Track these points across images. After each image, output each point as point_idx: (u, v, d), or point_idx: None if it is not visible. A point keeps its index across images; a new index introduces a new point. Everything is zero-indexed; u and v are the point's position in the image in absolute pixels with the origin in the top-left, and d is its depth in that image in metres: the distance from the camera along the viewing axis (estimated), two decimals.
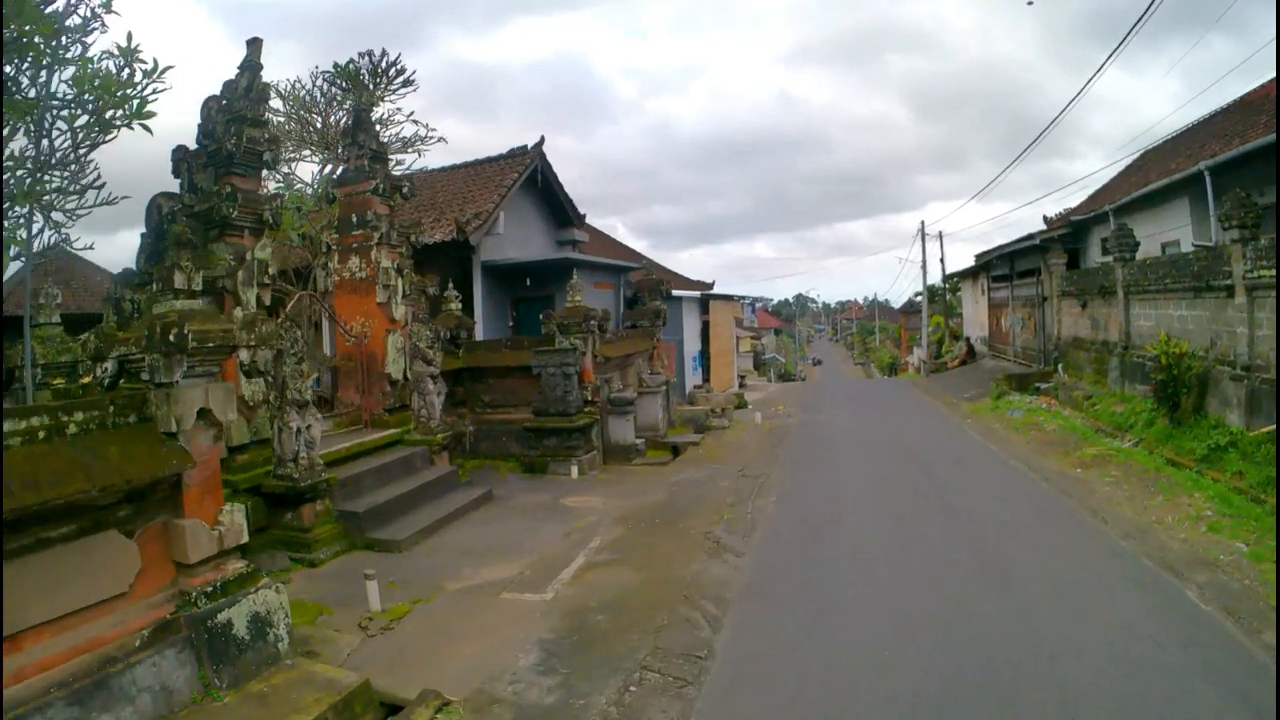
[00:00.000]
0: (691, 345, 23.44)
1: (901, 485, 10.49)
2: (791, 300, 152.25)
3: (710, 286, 27.26)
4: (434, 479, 10.80)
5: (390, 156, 15.85)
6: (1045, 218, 22.42)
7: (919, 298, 76.95)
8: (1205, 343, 12.32)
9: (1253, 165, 13.18)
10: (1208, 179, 14.14)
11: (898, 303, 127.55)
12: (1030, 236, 20.35)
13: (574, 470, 12.57)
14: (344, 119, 15.88)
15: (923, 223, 39.05)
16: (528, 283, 17.12)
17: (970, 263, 30.70)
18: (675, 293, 21.93)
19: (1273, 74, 16.18)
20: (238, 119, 8.28)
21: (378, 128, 15.45)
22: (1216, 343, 12.03)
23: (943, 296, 41.30)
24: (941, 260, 35.97)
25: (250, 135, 8.34)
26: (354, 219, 12.28)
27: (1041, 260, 20.38)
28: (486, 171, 18.20)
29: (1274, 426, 9.34)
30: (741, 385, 30.25)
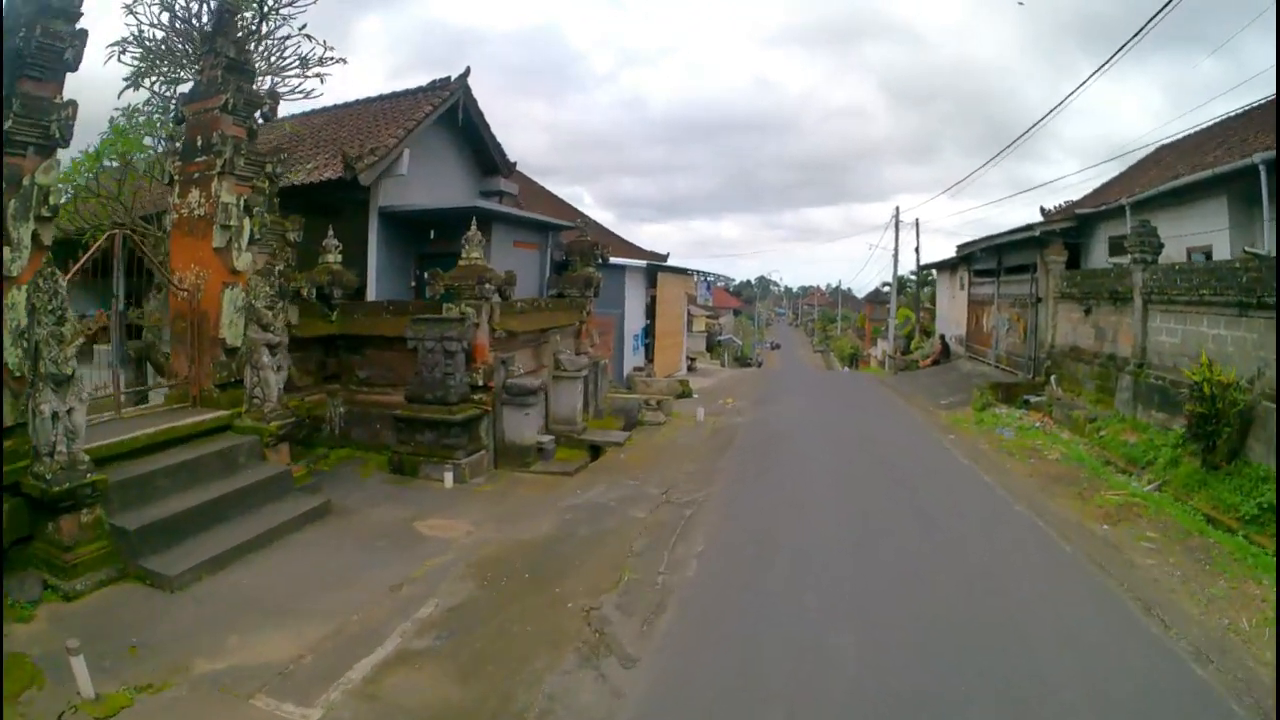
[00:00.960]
0: (634, 321, 20.60)
1: (882, 537, 7.82)
2: (754, 281, 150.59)
3: (664, 258, 24.37)
4: (258, 482, 8.13)
5: (282, 82, 12.59)
6: (1043, 210, 19.98)
7: (886, 288, 75.17)
8: (1250, 371, 10.02)
9: None
10: (1262, 174, 11.68)
11: (861, 292, 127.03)
12: (1027, 228, 17.88)
13: (448, 477, 9.69)
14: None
15: (897, 209, 36.90)
16: (433, 236, 13.96)
17: (945, 255, 28.54)
18: (616, 261, 19.01)
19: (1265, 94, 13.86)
20: (43, 7, 6.48)
21: (265, 42, 12.19)
22: (1264, 372, 9.71)
23: (915, 288, 39.00)
24: (916, 250, 33.63)
25: (52, 29, 6.48)
26: (199, 142, 9.13)
27: (1038, 256, 17.95)
28: (400, 106, 14.81)
29: None
30: (691, 369, 27.55)
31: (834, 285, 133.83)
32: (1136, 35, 13.02)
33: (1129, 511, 8.84)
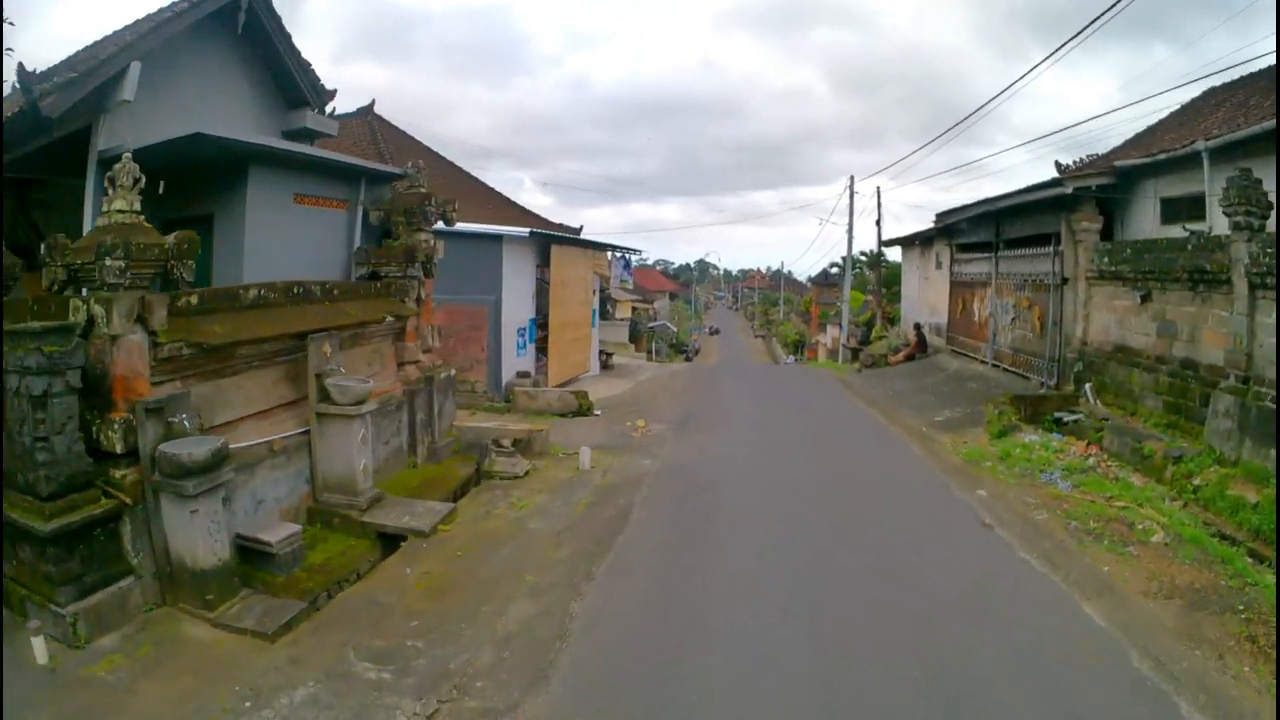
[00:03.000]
0: (518, 311, 15.51)
1: None
2: (693, 265, 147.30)
3: (556, 228, 19.16)
4: None
5: None
6: (1060, 165, 15.61)
7: (835, 269, 71.70)
8: None
9: None
10: None
11: (801, 276, 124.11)
12: (1052, 183, 13.47)
13: (37, 647, 4.58)
14: None
15: (851, 178, 32.48)
16: (180, 190, 8.52)
17: (899, 234, 24.37)
18: (475, 228, 13.91)
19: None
20: None
21: None
22: None
23: (875, 269, 34.61)
24: (878, 223, 29.30)
25: None
26: None
27: (1062, 223, 13.61)
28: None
29: None
30: (606, 365, 22.63)
31: (774, 269, 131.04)
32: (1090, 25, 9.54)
33: None
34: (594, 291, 20.65)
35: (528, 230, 14.79)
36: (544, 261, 16.58)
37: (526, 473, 9.51)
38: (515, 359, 15.37)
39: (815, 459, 10.99)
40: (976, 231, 18.41)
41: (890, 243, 27.66)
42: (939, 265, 21.77)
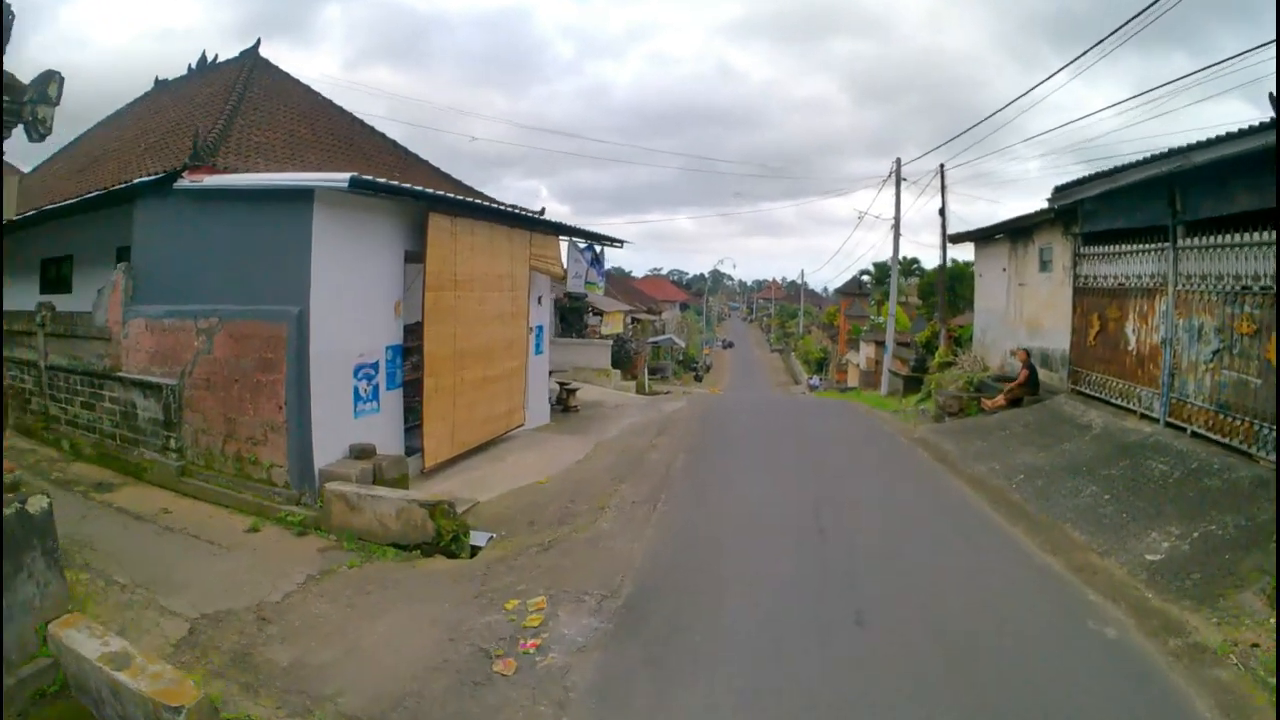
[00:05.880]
0: (354, 333, 8.97)
1: None
2: (707, 275, 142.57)
3: (451, 189, 12.67)
4: None
5: None
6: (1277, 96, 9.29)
7: (866, 277, 65.15)
8: None
9: None
10: None
11: (818, 286, 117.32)
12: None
13: None
14: None
15: (898, 160, 26.18)
16: None
17: (914, 256, 17.75)
18: (254, 180, 7.82)
19: None
20: None
21: None
22: None
23: (941, 270, 27.19)
24: (942, 211, 22.81)
25: None
26: None
27: None
28: None
29: None
30: (567, 407, 16.34)
31: (790, 279, 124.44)
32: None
33: None
34: (538, 298, 14.21)
35: (346, 179, 7.83)
36: (415, 239, 10.07)
37: None
38: (350, 422, 8.99)
39: None
40: (1128, 210, 12.07)
41: (959, 238, 21.03)
42: (1046, 266, 15.39)
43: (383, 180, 8.58)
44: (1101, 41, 12.90)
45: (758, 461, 12.52)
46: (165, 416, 9.79)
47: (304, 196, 8.31)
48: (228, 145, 10.88)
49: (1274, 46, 8.10)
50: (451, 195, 10.76)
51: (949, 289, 28.29)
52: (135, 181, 10.21)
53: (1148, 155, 10.99)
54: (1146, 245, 11.73)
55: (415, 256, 10.12)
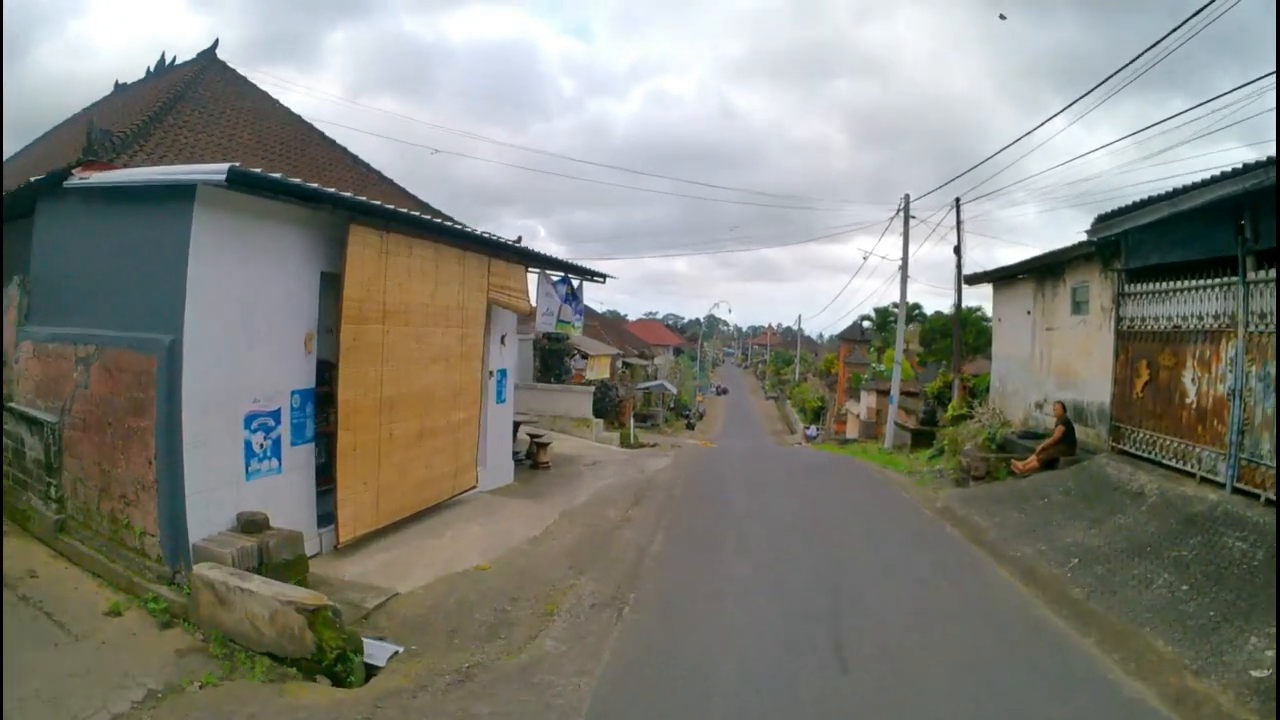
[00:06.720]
0: (246, 371, 7.29)
1: None
2: (702, 320, 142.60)
3: (387, 196, 10.83)
4: None
5: None
6: None
7: (867, 323, 63.68)
8: None
9: None
10: None
11: (813, 333, 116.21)
12: None
13: None
14: None
15: (906, 196, 24.89)
16: None
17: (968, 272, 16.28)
18: (128, 175, 6.19)
19: None
20: None
21: None
22: None
23: (956, 313, 25.44)
24: (957, 249, 21.28)
25: None
26: None
27: None
28: None
29: None
30: (537, 463, 14.55)
31: (786, 325, 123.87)
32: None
33: None
34: (501, 337, 12.41)
35: (223, 169, 5.93)
36: (330, 256, 8.23)
37: None
38: (241, 485, 7.16)
39: None
40: (1185, 240, 10.51)
41: (976, 278, 19.38)
42: (1080, 307, 13.77)
43: (277, 176, 6.80)
44: (1104, 82, 12.77)
45: (754, 544, 10.20)
46: (45, 458, 8.13)
47: (183, 195, 6.61)
48: (145, 143, 9.27)
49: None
50: (380, 204, 8.81)
51: (973, 333, 26.78)
52: (29, 181, 8.61)
53: (1213, 174, 9.47)
54: (1209, 280, 10.11)
55: (338, 280, 8.41)
